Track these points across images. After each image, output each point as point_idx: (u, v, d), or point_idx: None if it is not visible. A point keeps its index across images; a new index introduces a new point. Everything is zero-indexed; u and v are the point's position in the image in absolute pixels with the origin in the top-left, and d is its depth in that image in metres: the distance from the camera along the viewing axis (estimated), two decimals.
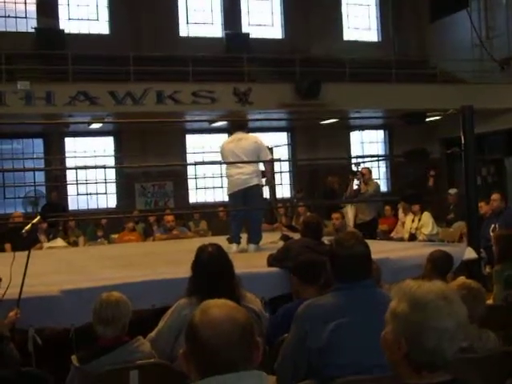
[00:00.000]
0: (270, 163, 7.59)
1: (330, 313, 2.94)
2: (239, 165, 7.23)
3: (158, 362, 3.50)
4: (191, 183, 17.16)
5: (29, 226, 4.82)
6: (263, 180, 7.56)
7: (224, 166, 7.86)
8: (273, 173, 7.84)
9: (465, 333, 1.86)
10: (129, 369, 3.32)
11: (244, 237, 7.42)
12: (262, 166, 7.47)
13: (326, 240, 5.43)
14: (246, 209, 7.25)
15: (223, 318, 1.77)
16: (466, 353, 3.27)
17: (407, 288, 1.88)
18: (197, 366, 1.76)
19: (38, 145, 16.22)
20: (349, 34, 19.39)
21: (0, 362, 3.85)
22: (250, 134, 7.50)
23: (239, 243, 7.22)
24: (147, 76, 14.53)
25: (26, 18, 16.35)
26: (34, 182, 15.79)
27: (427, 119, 7.17)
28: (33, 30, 16.01)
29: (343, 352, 2.85)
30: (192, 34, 17.66)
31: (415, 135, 15.79)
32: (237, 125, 7.69)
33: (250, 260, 6.10)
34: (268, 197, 8.38)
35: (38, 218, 5.05)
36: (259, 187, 7.33)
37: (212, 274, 3.71)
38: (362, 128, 18.88)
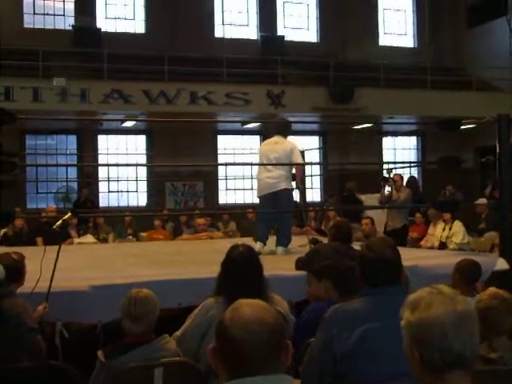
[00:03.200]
0: (300, 167, 7.60)
1: (358, 318, 2.91)
2: (269, 168, 7.26)
3: (183, 360, 3.49)
4: (221, 184, 17.20)
5: (60, 222, 4.86)
6: (293, 183, 7.55)
7: (256, 168, 7.89)
8: (302, 177, 7.85)
9: (470, 328, 1.80)
10: (154, 366, 3.32)
11: (272, 240, 7.41)
12: (294, 170, 7.49)
13: (355, 245, 5.39)
14: (274, 211, 7.26)
15: (253, 317, 1.76)
16: (495, 364, 3.21)
17: (411, 296, 1.89)
18: (224, 364, 1.77)
19: (72, 141, 16.40)
20: (384, 40, 19.27)
21: (28, 353, 3.90)
22: (288, 140, 7.50)
23: (265, 244, 7.21)
24: (181, 76, 14.61)
25: (64, 15, 16.55)
26: (67, 178, 15.97)
27: (461, 127, 7.09)
28: (70, 28, 16.19)
29: (370, 358, 2.81)
30: (227, 36, 17.71)
31: (449, 143, 15.65)
32: (278, 129, 7.68)
33: (278, 263, 6.09)
34: (297, 200, 8.35)
35: (69, 214, 5.09)
36: (288, 191, 7.32)
37: (241, 273, 3.70)
38: (394, 134, 18.74)
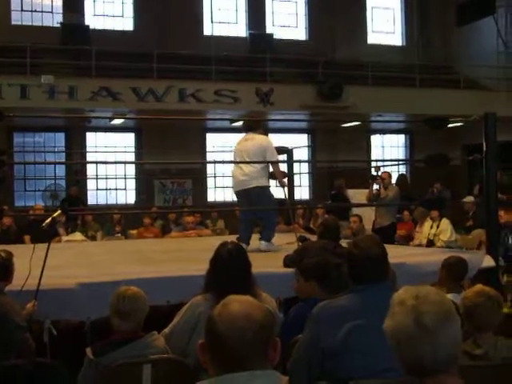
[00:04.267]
0: (276, 164, 7.51)
1: (345, 314, 2.93)
2: (241, 165, 7.24)
3: (172, 357, 3.51)
4: (210, 182, 17.21)
5: (49, 219, 4.85)
6: (272, 181, 7.51)
7: None
8: (282, 174, 7.74)
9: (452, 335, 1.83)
10: (142, 363, 3.34)
11: (256, 238, 7.42)
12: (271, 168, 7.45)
13: (343, 243, 5.42)
14: (252, 209, 7.25)
15: (241, 313, 1.78)
16: (481, 360, 3.25)
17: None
18: (212, 359, 1.79)
19: (60, 139, 16.34)
20: (373, 38, 19.32)
21: (16, 351, 3.90)
22: (260, 136, 7.36)
23: (247, 244, 7.19)
24: (170, 73, 14.60)
25: (52, 12, 16.48)
26: (55, 176, 15.92)
27: (449, 125, 7.14)
28: (58, 25, 16.13)
29: (357, 354, 2.84)
30: (216, 33, 17.69)
31: (437, 141, 15.72)
32: (247, 125, 7.67)
33: (266, 260, 6.11)
34: (282, 197, 8.31)
35: (59, 211, 5.07)
36: (260, 188, 7.18)
37: (229, 270, 3.71)
38: (383, 132, 18.82)
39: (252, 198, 7.24)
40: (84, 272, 5.64)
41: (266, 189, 7.30)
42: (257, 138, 7.29)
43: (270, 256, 6.69)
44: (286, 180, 7.99)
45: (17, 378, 3.22)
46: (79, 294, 4.83)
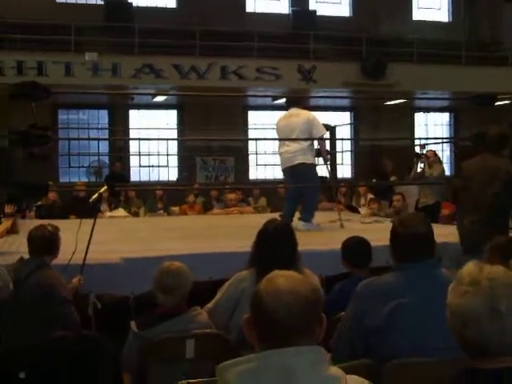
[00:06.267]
0: (323, 141, 7.40)
1: (390, 292, 2.89)
2: (286, 142, 7.13)
3: (214, 332, 3.53)
4: (252, 159, 17.20)
5: (96, 195, 4.90)
6: (317, 158, 7.41)
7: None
8: (327, 151, 7.63)
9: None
10: (185, 337, 3.37)
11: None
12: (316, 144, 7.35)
13: (386, 221, 5.36)
14: (295, 186, 7.16)
15: (287, 288, 1.77)
16: None
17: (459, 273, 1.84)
18: (258, 334, 1.78)
19: (103, 116, 16.50)
20: (418, 14, 18.91)
21: (62, 324, 3.96)
22: (305, 111, 7.24)
23: (291, 222, 7.16)
24: (212, 51, 14.57)
25: None
26: (98, 152, 16.10)
27: (496, 103, 6.98)
28: (102, 3, 16.20)
29: (401, 332, 2.80)
30: (258, 10, 17.56)
31: (482, 119, 15.36)
32: (291, 101, 7.58)
33: (309, 238, 6.09)
34: (326, 175, 8.22)
35: (105, 187, 5.11)
36: (306, 165, 7.07)
37: (275, 246, 3.68)
38: (427, 110, 18.51)
39: (297, 175, 7.14)
40: (128, 247, 5.71)
41: (310, 166, 7.19)
42: (302, 114, 7.17)
43: (312, 234, 6.66)
44: (329, 157, 7.92)
45: (62, 350, 3.27)
46: (123, 269, 4.90)
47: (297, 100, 7.45)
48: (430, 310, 2.71)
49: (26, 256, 4.44)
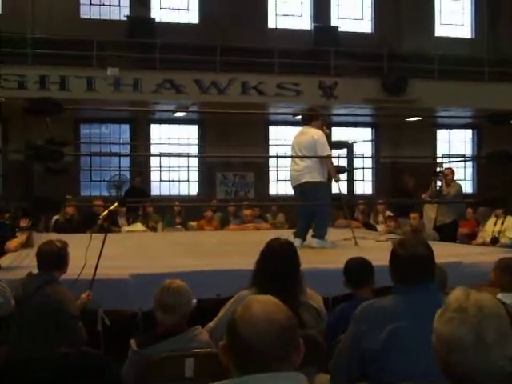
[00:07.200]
0: (328, 159, 7.34)
1: (389, 315, 2.85)
2: (296, 160, 7.20)
3: (214, 351, 3.51)
4: (272, 175, 17.20)
5: (105, 212, 4.94)
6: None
7: None
8: (334, 168, 7.60)
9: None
10: (185, 356, 3.36)
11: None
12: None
13: None
14: (306, 204, 7.19)
15: (262, 315, 1.75)
16: None
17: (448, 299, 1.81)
18: (233, 361, 1.77)
19: (125, 130, 16.64)
20: (440, 30, 18.83)
21: (68, 340, 3.98)
22: (312, 129, 7.24)
23: (304, 239, 7.14)
24: (233, 66, 14.64)
25: (119, 6, 16.74)
26: (119, 167, 16.23)
27: None
28: (125, 19, 16.39)
29: (399, 357, 2.76)
30: (280, 26, 17.63)
31: (506, 136, 15.25)
32: (304, 118, 7.60)
33: (319, 256, 6.06)
34: (338, 192, 8.19)
35: (116, 204, 5.15)
36: (312, 183, 7.07)
37: (274, 267, 3.67)
38: (449, 127, 18.39)
39: (305, 193, 7.19)
40: (138, 263, 5.73)
41: (318, 184, 7.15)
42: (309, 133, 7.21)
43: (323, 252, 6.63)
44: (340, 175, 7.90)
45: (63, 365, 3.29)
46: (132, 285, 4.91)
47: (309, 117, 7.44)
48: (428, 335, 2.67)
49: (36, 271, 4.47)
